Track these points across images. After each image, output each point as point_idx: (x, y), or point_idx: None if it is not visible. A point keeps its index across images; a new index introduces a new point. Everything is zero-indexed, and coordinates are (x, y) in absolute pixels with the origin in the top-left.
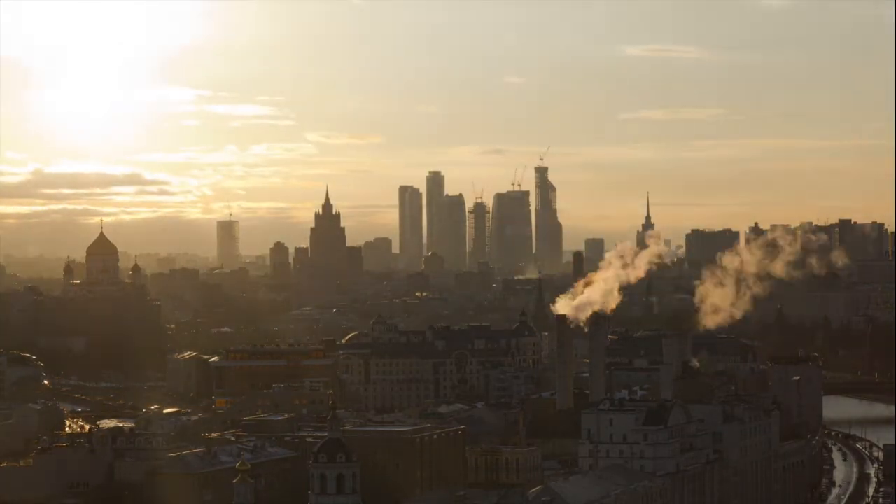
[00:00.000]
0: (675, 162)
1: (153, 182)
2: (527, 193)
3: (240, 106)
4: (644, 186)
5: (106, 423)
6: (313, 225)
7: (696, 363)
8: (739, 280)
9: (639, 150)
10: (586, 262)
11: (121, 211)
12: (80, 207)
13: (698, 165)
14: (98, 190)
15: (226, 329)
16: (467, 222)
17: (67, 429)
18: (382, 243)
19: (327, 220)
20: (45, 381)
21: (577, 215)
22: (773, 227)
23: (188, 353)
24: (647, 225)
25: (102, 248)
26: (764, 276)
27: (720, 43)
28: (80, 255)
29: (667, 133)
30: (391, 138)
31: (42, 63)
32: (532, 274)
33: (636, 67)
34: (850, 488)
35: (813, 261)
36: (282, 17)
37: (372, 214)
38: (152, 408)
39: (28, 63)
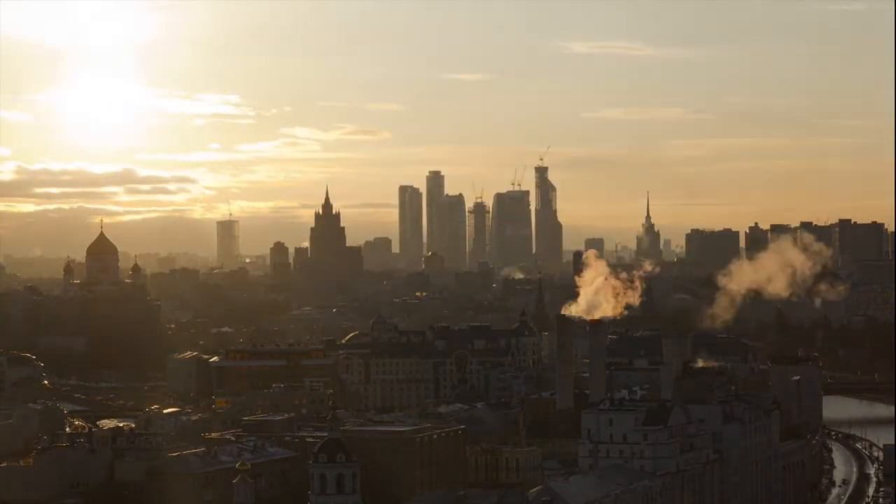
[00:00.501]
0: (654, 162)
1: (146, 180)
2: (527, 193)
3: (199, 103)
4: (624, 187)
5: (106, 423)
6: (313, 225)
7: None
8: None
9: (612, 149)
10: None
11: (126, 211)
12: (75, 206)
13: (676, 165)
14: (85, 189)
15: (226, 329)
16: (467, 222)
17: (67, 429)
18: (382, 243)
19: (327, 220)
20: (45, 381)
21: (573, 214)
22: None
23: (188, 353)
24: (648, 224)
25: (102, 248)
26: None
27: (666, 39)
28: (80, 255)
29: (634, 132)
30: (372, 135)
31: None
32: (522, 274)
33: (585, 65)
34: (850, 488)
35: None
36: (233, 13)
37: (372, 214)
38: (152, 408)
39: None
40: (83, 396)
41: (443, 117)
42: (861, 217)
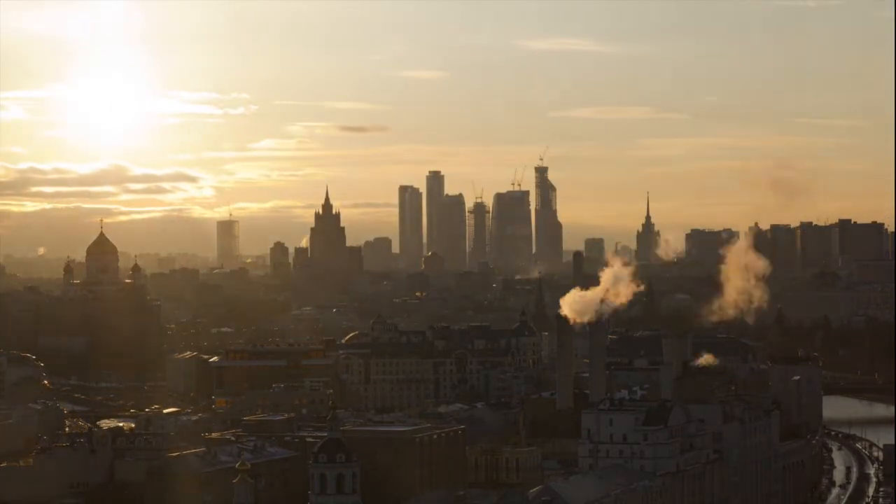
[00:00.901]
0: (635, 161)
1: (146, 180)
2: (527, 193)
3: (198, 102)
4: (622, 187)
5: (106, 423)
6: (313, 225)
7: (703, 360)
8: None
9: (590, 149)
10: (586, 261)
11: (125, 211)
12: (71, 206)
13: (655, 165)
14: (84, 188)
15: (226, 329)
16: (467, 222)
17: (67, 429)
18: (382, 243)
19: (327, 220)
20: (45, 381)
21: (571, 214)
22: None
23: (188, 353)
24: (648, 225)
25: (102, 248)
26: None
27: (618, 35)
28: (80, 255)
29: (607, 132)
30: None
31: None
32: (530, 274)
33: (541, 63)
34: (850, 488)
35: None
36: (225, 10)
37: (372, 214)
38: (152, 408)
39: None
40: (83, 396)
41: (407, 117)
42: (861, 217)
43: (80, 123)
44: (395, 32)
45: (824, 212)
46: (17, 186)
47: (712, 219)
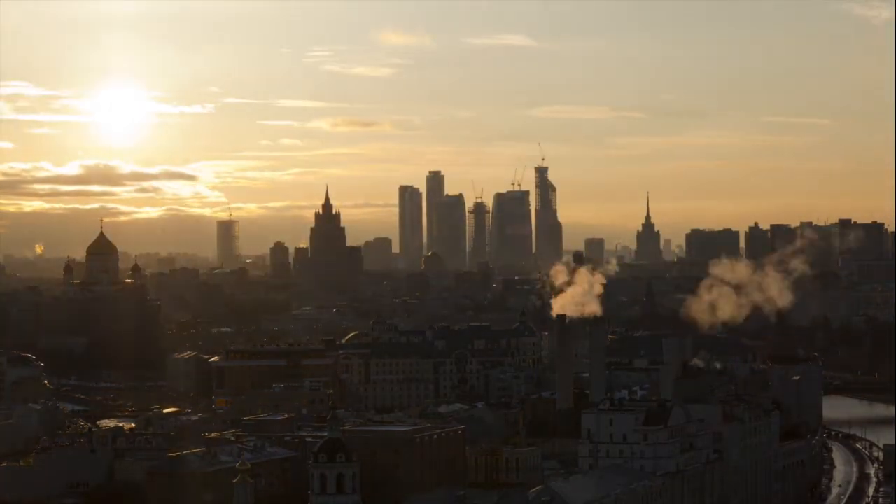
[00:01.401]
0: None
1: (146, 179)
2: (527, 193)
3: (198, 103)
4: (624, 187)
5: (106, 423)
6: (313, 225)
7: (698, 362)
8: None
9: (551, 149)
10: (586, 262)
11: (125, 211)
12: (69, 206)
13: (632, 164)
14: (85, 188)
15: (226, 329)
16: (467, 222)
17: (67, 429)
18: (382, 243)
19: (327, 220)
20: (45, 381)
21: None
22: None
23: (188, 353)
24: (648, 225)
25: (102, 248)
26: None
27: (557, 31)
28: (80, 255)
29: (571, 131)
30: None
31: None
32: (530, 274)
33: (486, 59)
34: (850, 488)
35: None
36: (214, 9)
37: (372, 214)
38: (152, 408)
39: None
40: (83, 396)
41: (374, 115)
42: (861, 217)
43: (82, 124)
44: (337, 30)
45: (824, 212)
46: (11, 185)
47: (712, 219)
